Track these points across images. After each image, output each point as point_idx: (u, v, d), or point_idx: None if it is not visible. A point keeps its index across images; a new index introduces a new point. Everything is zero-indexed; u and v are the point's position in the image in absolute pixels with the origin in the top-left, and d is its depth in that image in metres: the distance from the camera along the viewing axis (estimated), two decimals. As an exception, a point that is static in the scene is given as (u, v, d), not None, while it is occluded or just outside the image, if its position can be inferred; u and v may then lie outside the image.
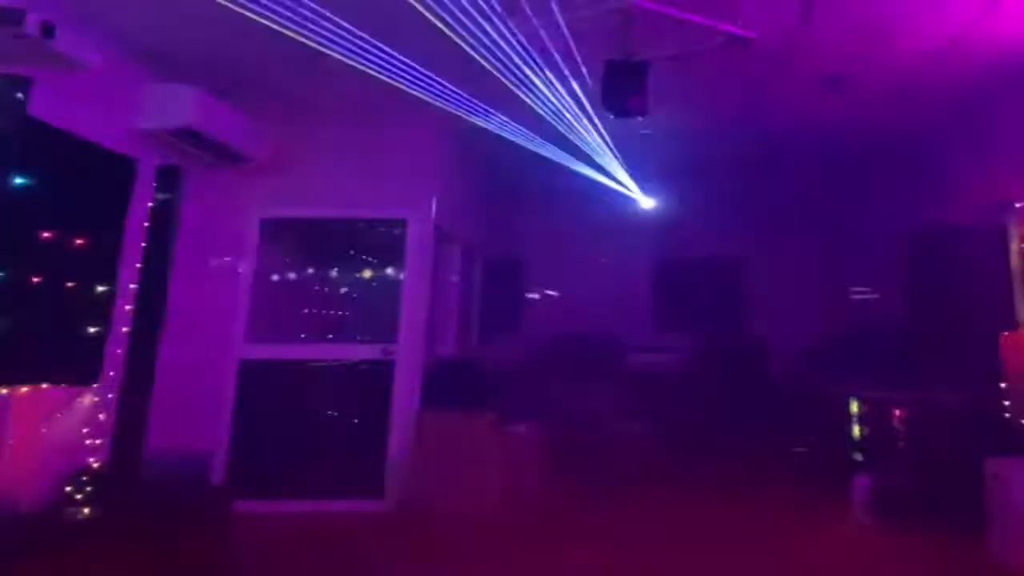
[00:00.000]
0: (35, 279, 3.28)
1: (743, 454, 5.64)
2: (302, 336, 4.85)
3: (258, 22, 3.28)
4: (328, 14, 3.26)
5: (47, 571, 2.71)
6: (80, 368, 3.50)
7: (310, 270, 5.10)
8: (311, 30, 3.44)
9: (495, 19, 3.26)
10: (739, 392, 6.14)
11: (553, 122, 4.96)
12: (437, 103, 4.48)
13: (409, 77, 4.01)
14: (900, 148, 5.58)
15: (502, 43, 3.46)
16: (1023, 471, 3.44)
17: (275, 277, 4.79)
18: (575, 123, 4.82)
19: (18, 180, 3.23)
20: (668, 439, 5.72)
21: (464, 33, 3.33)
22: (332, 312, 5.15)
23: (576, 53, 3.58)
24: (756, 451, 5.64)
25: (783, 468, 5.42)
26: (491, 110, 4.69)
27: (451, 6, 3.11)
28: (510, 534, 3.92)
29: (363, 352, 4.59)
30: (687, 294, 7.27)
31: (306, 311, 4.98)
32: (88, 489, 3.39)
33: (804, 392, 5.76)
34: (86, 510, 3.31)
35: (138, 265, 3.87)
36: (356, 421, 4.64)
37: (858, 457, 4.68)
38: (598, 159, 5.27)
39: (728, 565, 3.43)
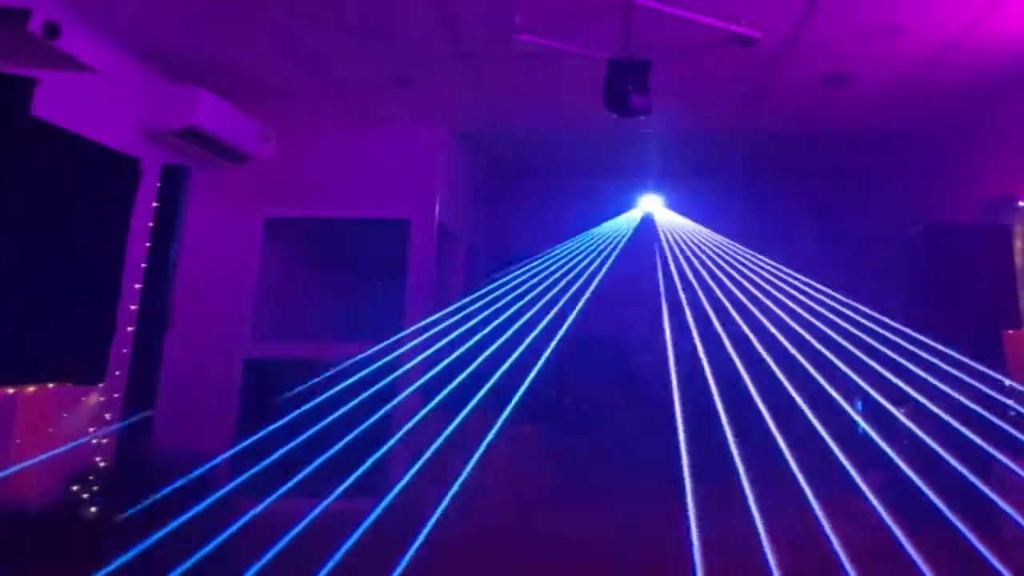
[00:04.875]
0: (39, 279, 3.28)
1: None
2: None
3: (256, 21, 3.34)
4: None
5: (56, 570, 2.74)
6: (86, 368, 3.49)
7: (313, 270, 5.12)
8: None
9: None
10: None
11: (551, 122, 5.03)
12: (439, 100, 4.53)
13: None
14: (904, 148, 5.65)
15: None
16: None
17: (280, 277, 4.81)
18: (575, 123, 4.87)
19: (21, 181, 3.25)
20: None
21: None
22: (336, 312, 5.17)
23: (579, 52, 3.61)
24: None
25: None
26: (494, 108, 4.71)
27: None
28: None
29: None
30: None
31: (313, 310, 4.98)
32: (95, 488, 3.42)
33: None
34: (92, 509, 3.34)
35: (143, 265, 3.87)
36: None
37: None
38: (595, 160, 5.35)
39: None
